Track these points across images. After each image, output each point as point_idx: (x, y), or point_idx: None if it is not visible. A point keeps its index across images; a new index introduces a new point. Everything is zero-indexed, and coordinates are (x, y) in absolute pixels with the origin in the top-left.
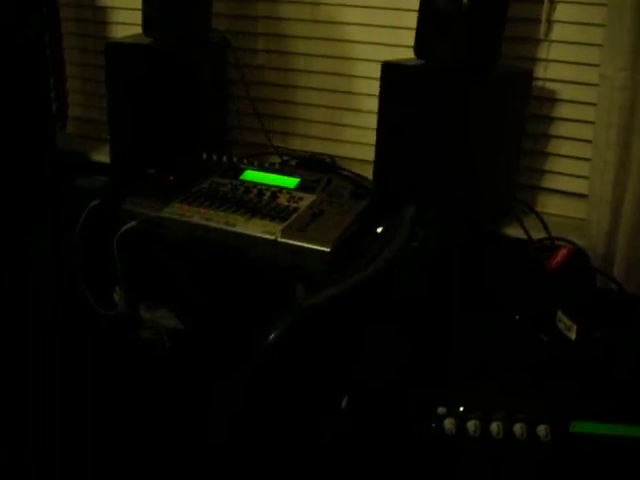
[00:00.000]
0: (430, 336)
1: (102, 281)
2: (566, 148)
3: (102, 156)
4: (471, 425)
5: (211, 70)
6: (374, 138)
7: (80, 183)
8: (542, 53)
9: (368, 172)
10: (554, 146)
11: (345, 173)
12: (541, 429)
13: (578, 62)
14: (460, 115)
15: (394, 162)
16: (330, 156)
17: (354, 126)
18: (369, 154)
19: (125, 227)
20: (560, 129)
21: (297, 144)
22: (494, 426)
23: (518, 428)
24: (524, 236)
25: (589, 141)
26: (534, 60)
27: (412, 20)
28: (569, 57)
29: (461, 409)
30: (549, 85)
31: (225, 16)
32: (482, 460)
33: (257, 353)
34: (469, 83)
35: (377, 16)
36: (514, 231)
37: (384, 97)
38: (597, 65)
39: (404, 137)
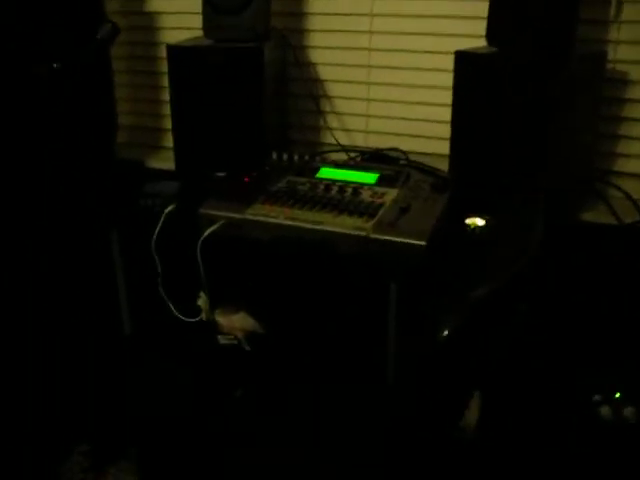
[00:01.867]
0: (577, 322)
1: (183, 288)
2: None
3: (159, 162)
4: (628, 411)
5: (272, 69)
6: (440, 131)
7: (150, 189)
8: (612, 35)
9: (439, 164)
10: (627, 128)
11: (420, 166)
12: None
13: None
14: (537, 102)
15: (471, 153)
16: (398, 150)
17: (418, 119)
18: (437, 147)
19: (208, 231)
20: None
21: (359, 140)
22: None
23: None
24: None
25: None
26: (604, 42)
27: (480, 9)
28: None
29: (617, 395)
30: (622, 67)
31: (282, 14)
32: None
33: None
34: (547, 70)
35: (442, 6)
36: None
37: (458, 87)
38: None
39: (480, 127)
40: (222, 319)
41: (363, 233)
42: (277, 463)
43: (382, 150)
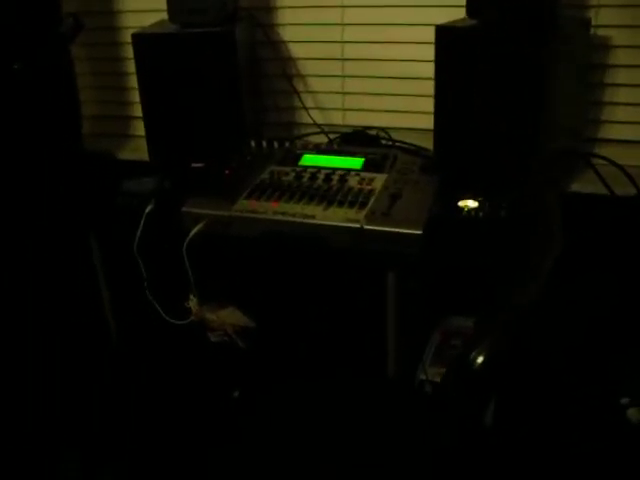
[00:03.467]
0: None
1: (171, 289)
2: (626, 95)
3: (130, 153)
4: None
5: (243, 50)
6: (421, 105)
7: (128, 187)
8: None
9: (422, 141)
10: (614, 94)
11: (405, 146)
12: None
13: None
14: (522, 73)
15: (456, 131)
16: (378, 128)
17: (394, 94)
18: (418, 122)
19: (194, 231)
20: (619, 76)
21: (336, 119)
22: None
23: None
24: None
25: None
26: (587, 7)
27: None
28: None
29: None
30: (603, 32)
31: None
32: None
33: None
34: (531, 39)
35: None
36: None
37: (440, 62)
38: None
39: (464, 103)
40: (211, 315)
41: (357, 225)
42: (277, 462)
43: (363, 129)
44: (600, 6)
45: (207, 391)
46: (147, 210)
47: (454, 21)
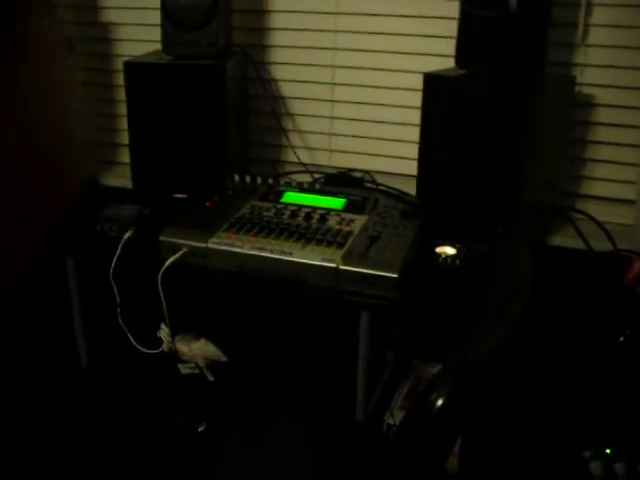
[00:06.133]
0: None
1: (144, 317)
2: (608, 153)
3: (114, 179)
4: (618, 467)
5: (234, 85)
6: (406, 151)
7: (108, 213)
8: (580, 58)
9: (404, 186)
10: (595, 151)
11: (387, 189)
12: None
13: (615, 65)
14: (506, 126)
15: (439, 178)
16: (362, 171)
17: (381, 138)
18: (403, 167)
19: (169, 261)
20: (601, 134)
21: (322, 159)
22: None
23: None
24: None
25: (632, 145)
26: (573, 65)
27: (447, 29)
28: (607, 61)
29: (608, 451)
30: (588, 90)
31: (243, 29)
32: None
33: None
34: (516, 93)
35: (408, 24)
36: (562, 241)
37: (426, 109)
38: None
39: (448, 152)
40: (182, 347)
41: (332, 264)
42: None
43: (347, 171)
44: (585, 65)
45: (173, 423)
46: (125, 237)
47: (442, 70)
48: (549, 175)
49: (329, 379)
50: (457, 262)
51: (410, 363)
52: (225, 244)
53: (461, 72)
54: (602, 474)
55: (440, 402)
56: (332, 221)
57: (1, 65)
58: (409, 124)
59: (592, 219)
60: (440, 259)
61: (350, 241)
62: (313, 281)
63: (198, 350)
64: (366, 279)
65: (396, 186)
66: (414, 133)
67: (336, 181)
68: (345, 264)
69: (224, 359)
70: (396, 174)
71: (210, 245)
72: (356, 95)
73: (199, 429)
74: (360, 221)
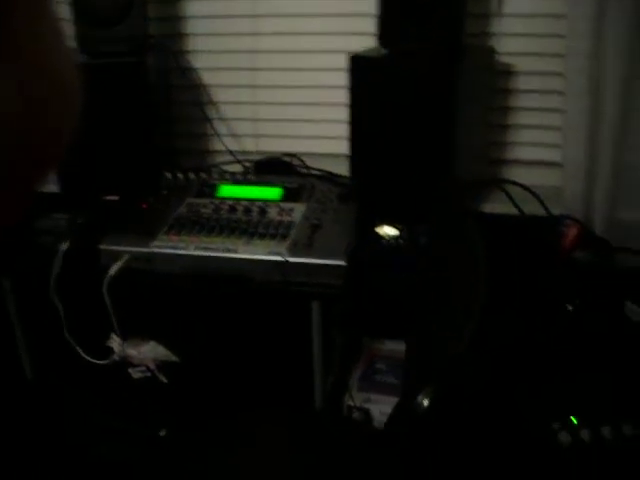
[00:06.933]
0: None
1: (91, 328)
2: (534, 118)
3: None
4: (584, 434)
5: (155, 79)
6: (332, 131)
7: (41, 225)
8: (497, 28)
9: (336, 166)
10: (519, 118)
11: (322, 174)
12: None
13: (534, 34)
14: (432, 100)
15: (370, 157)
16: (291, 154)
17: (307, 120)
18: (330, 147)
19: (113, 270)
20: (526, 101)
21: (249, 145)
22: (605, 431)
23: (628, 429)
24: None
25: (555, 110)
26: (491, 35)
27: (368, 6)
28: (524, 29)
29: (574, 420)
30: (507, 59)
31: (159, 19)
32: (595, 466)
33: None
34: (439, 68)
35: (327, 5)
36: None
37: (354, 91)
38: (556, 35)
39: (378, 129)
40: (131, 351)
41: (279, 258)
42: None
43: (280, 156)
44: (502, 34)
45: (132, 430)
46: (63, 248)
47: (367, 50)
48: (477, 145)
49: (284, 370)
50: (400, 242)
51: (360, 343)
52: (168, 247)
53: (384, 51)
54: (570, 442)
55: (426, 403)
56: (272, 212)
57: None
58: (335, 104)
59: (523, 187)
60: (383, 241)
61: (293, 232)
62: (261, 276)
63: (148, 353)
64: (314, 269)
65: (328, 168)
66: (340, 113)
67: (266, 167)
68: (292, 256)
69: (174, 359)
70: (326, 154)
71: (153, 250)
72: (279, 79)
73: (160, 434)
74: (299, 210)
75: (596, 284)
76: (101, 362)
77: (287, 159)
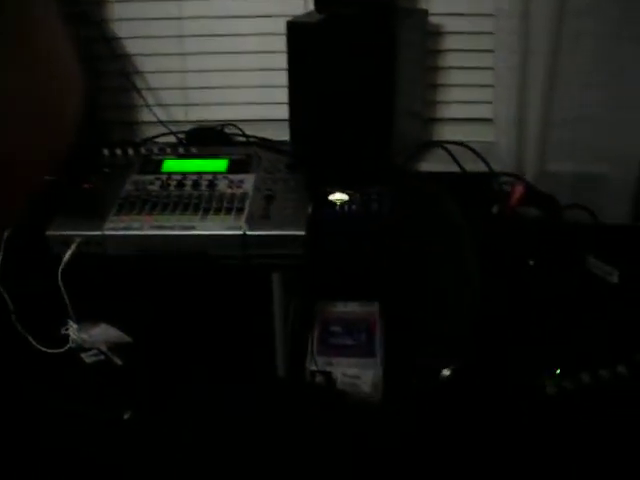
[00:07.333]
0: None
1: (45, 316)
2: (464, 77)
3: None
4: (567, 383)
5: (80, 50)
6: (268, 96)
7: None
8: None
9: (274, 132)
10: (452, 77)
11: (265, 143)
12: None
13: None
14: (370, 62)
15: (312, 123)
16: (225, 122)
17: (239, 87)
18: (266, 113)
19: (66, 257)
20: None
21: (179, 115)
22: (585, 377)
23: (605, 373)
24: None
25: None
26: None
27: None
28: None
29: (558, 371)
30: (441, 20)
31: None
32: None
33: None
34: (375, 31)
35: None
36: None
37: (292, 57)
38: None
39: (319, 94)
40: (83, 335)
41: (239, 232)
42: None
43: (212, 126)
44: None
45: (94, 415)
46: (6, 235)
47: (303, 15)
48: (414, 105)
49: (247, 343)
50: (353, 207)
51: (314, 307)
52: (122, 228)
53: (320, 16)
54: (555, 392)
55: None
56: (221, 185)
57: None
58: (268, 69)
59: (463, 145)
60: (337, 207)
61: (247, 204)
62: (220, 251)
63: (99, 336)
64: (274, 241)
65: (265, 134)
66: (273, 78)
67: (200, 136)
68: (251, 229)
69: (128, 340)
70: (263, 120)
71: (106, 232)
72: (208, 45)
73: (125, 416)
74: (249, 181)
75: (553, 239)
76: (57, 351)
77: (220, 128)
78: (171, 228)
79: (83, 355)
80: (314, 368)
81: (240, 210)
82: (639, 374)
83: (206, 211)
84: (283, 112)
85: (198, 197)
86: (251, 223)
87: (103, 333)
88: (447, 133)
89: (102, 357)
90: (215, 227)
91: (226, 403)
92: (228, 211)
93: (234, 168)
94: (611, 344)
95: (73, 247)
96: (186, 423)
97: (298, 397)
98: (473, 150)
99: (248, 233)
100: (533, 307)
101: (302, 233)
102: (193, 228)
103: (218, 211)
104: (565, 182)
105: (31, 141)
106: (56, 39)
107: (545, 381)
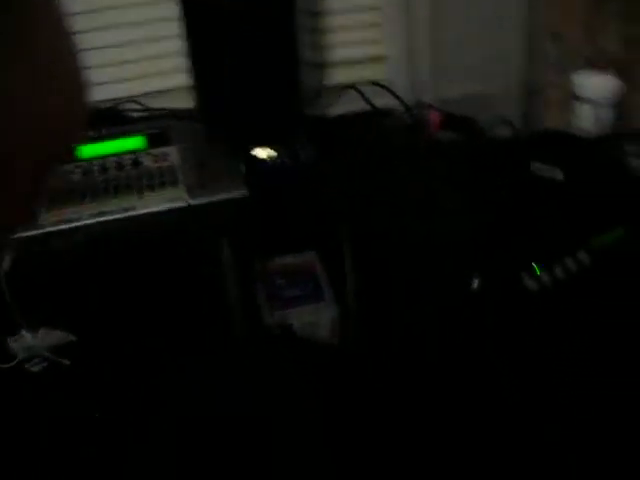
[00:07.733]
0: None
1: None
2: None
3: None
4: (544, 276)
5: None
6: (164, 65)
7: None
8: None
9: (177, 100)
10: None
11: (174, 113)
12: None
13: None
14: (269, 17)
15: (217, 87)
16: (124, 99)
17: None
18: (165, 83)
19: (7, 262)
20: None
21: None
22: (558, 270)
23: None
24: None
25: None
26: None
27: None
28: None
29: (536, 267)
30: None
31: None
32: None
33: None
34: None
35: None
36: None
37: (190, 30)
38: None
39: (222, 57)
40: (20, 343)
41: (182, 204)
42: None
43: (112, 105)
44: None
45: (66, 418)
46: None
47: None
48: (312, 52)
49: (203, 314)
50: (285, 160)
51: (253, 264)
52: (62, 222)
53: None
54: (536, 288)
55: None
56: (147, 162)
57: None
58: (162, 38)
59: (376, 84)
60: (269, 162)
61: (180, 175)
62: (166, 226)
63: (40, 341)
64: (217, 208)
65: (167, 105)
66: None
67: (107, 117)
68: (194, 199)
69: (71, 338)
70: (162, 91)
71: (46, 229)
72: (92, 22)
73: (96, 415)
74: (174, 153)
75: (492, 153)
76: (5, 366)
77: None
78: (111, 213)
79: (27, 366)
80: (272, 323)
81: (174, 183)
82: (598, 258)
83: (140, 190)
84: (179, 81)
85: (127, 178)
86: (192, 192)
87: (44, 338)
88: (341, 75)
89: (45, 364)
90: (156, 204)
91: (192, 376)
92: (163, 185)
93: (154, 143)
94: (571, 232)
95: (12, 252)
96: (153, 403)
97: (264, 354)
98: (385, 87)
99: (192, 203)
100: (492, 213)
101: (245, 193)
102: (134, 209)
103: (152, 188)
104: (462, 103)
105: (31, 141)
106: (58, 39)
107: (524, 278)
